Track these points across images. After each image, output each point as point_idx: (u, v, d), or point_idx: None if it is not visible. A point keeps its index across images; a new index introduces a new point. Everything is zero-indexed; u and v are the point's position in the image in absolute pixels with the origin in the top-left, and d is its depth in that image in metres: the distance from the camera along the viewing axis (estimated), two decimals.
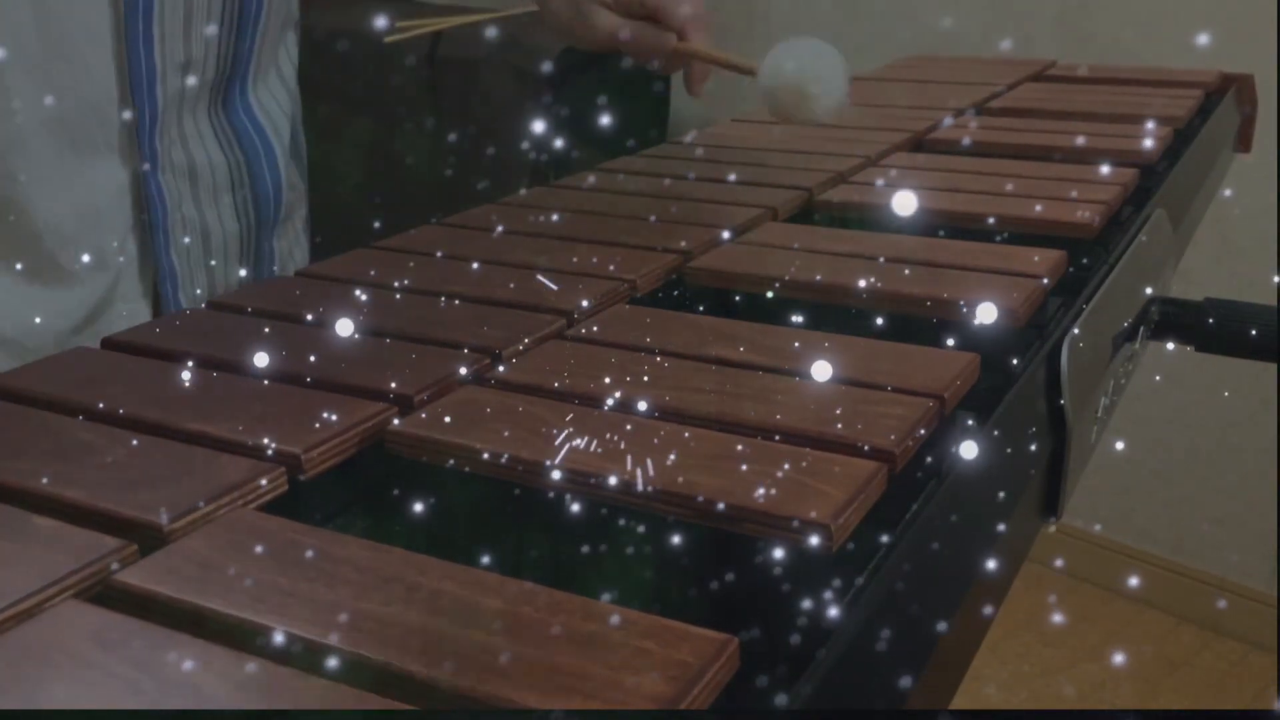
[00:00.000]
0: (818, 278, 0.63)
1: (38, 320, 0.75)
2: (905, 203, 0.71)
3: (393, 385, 0.48)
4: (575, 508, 0.41)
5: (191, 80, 0.78)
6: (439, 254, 0.67)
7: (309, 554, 0.36)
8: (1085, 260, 0.72)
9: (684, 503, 0.39)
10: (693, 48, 0.84)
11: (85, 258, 0.76)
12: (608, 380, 0.49)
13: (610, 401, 0.47)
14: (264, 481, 0.41)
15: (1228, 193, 1.24)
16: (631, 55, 0.85)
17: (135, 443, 0.43)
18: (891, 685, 0.39)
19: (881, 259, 0.65)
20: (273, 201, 0.87)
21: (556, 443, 0.43)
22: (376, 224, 0.85)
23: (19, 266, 0.74)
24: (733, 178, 0.84)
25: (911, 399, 0.47)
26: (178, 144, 0.79)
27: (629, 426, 0.44)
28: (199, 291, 0.82)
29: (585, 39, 0.86)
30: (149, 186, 0.77)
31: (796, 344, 0.53)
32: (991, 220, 0.74)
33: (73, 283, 0.76)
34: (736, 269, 0.64)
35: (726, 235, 0.70)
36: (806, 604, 0.38)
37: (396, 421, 0.45)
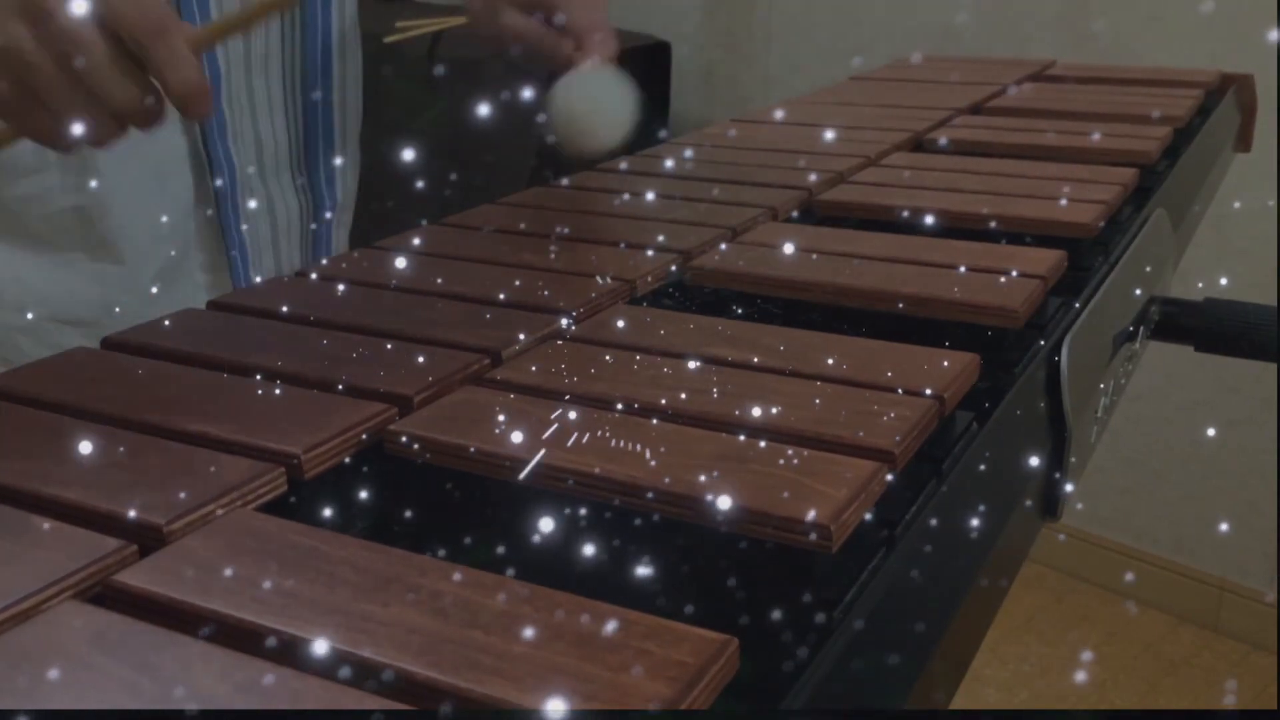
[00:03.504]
0: (818, 278, 0.63)
1: (107, 298, 0.75)
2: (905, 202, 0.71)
3: (392, 385, 0.48)
4: (575, 508, 0.41)
5: (255, 44, 0.77)
6: (439, 254, 0.67)
7: (309, 554, 0.36)
8: (1085, 260, 0.72)
9: (684, 503, 0.39)
10: (582, 60, 0.83)
11: (149, 230, 0.76)
12: (607, 380, 0.48)
13: (610, 402, 0.47)
14: (263, 482, 0.41)
15: (1227, 193, 1.24)
16: (532, 59, 0.85)
17: (135, 443, 0.43)
18: (891, 685, 0.39)
19: (881, 259, 0.65)
20: (328, 185, 0.86)
21: (556, 443, 0.43)
22: (377, 224, 0.84)
23: (84, 242, 0.74)
24: (733, 178, 0.84)
25: (911, 399, 0.47)
26: (247, 113, 0.78)
27: (629, 427, 0.44)
28: (268, 270, 0.82)
29: (492, 38, 0.85)
30: (215, 154, 0.76)
31: (795, 343, 0.53)
32: (991, 220, 0.74)
33: (138, 257, 0.76)
34: (736, 269, 0.64)
35: (726, 235, 0.70)
36: (806, 604, 0.38)
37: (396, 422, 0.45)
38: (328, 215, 0.87)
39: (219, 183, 0.77)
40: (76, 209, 0.73)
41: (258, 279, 0.80)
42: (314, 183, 0.85)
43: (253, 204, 0.80)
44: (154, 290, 0.77)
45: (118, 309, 0.75)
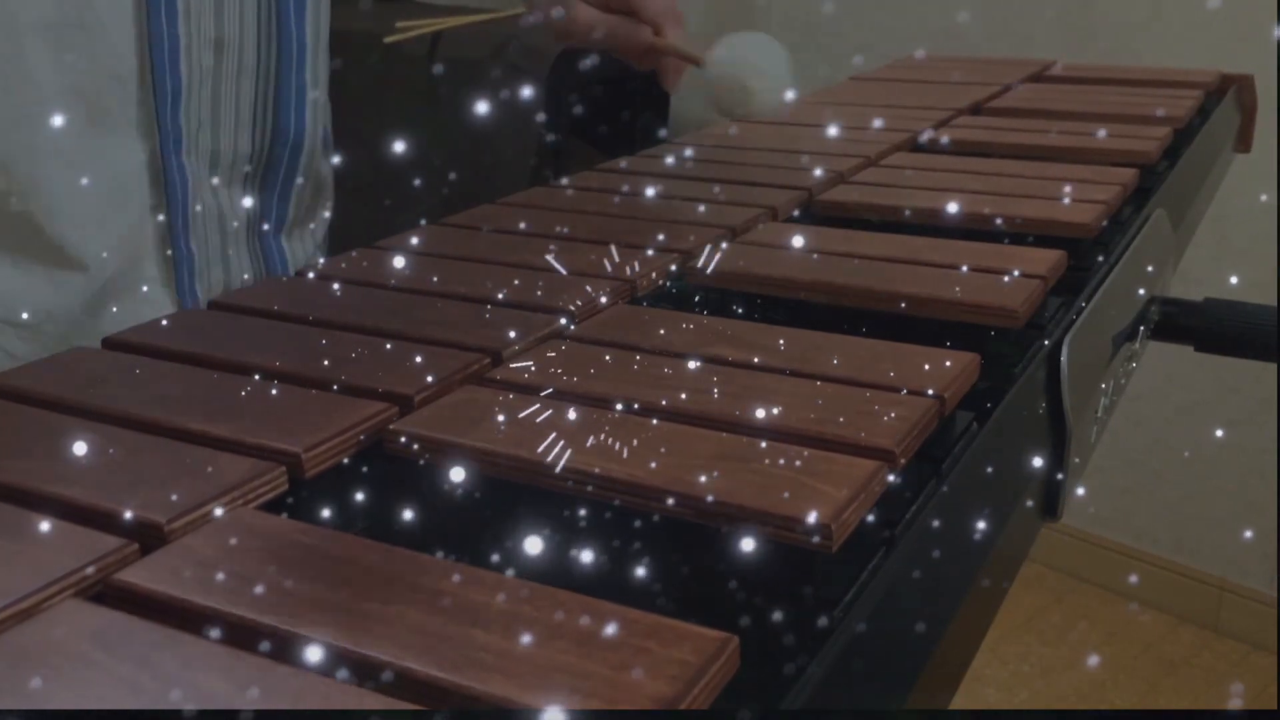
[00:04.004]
0: (818, 278, 0.63)
1: (53, 302, 0.74)
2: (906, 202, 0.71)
3: (392, 385, 0.48)
4: (575, 507, 0.41)
5: (227, 60, 0.77)
6: (439, 254, 0.67)
7: (310, 553, 0.36)
8: (1085, 260, 0.72)
9: (684, 502, 0.39)
10: (666, 43, 0.84)
11: (101, 237, 0.75)
12: (607, 380, 0.49)
13: (610, 402, 0.47)
14: (264, 480, 0.41)
15: (1227, 193, 1.24)
16: (608, 50, 0.85)
17: (135, 443, 0.43)
18: (891, 685, 0.39)
19: (881, 259, 0.65)
20: (280, 193, 0.85)
21: (556, 442, 0.43)
22: (376, 224, 0.84)
23: (33, 245, 0.73)
24: (733, 178, 0.84)
25: (911, 399, 0.47)
26: (207, 127, 0.78)
27: (629, 426, 0.44)
28: (217, 281, 0.81)
29: (563, 32, 0.85)
30: (169, 166, 0.76)
31: (795, 343, 0.53)
32: (992, 220, 0.74)
33: (88, 263, 0.74)
34: (736, 269, 0.64)
35: (726, 235, 0.70)
36: (806, 603, 0.38)
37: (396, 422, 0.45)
38: (283, 224, 0.87)
39: (169, 194, 0.77)
40: (24, 215, 0.72)
41: (199, 293, 0.80)
42: (268, 193, 0.84)
43: (204, 224, 0.79)
44: (103, 298, 0.76)
45: (63, 316, 0.74)
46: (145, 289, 0.78)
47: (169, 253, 0.78)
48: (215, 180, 0.80)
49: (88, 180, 0.73)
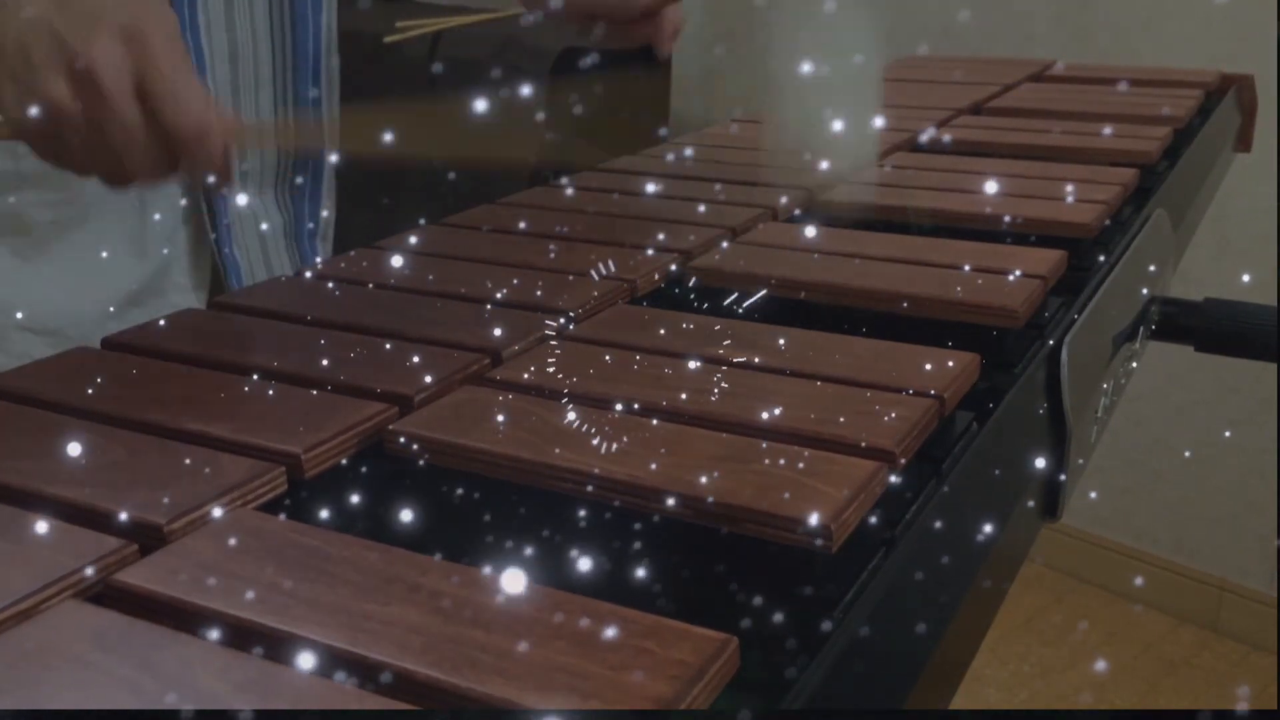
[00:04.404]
0: (817, 278, 0.63)
1: (81, 310, 0.75)
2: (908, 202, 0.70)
3: (392, 385, 0.48)
4: (575, 507, 0.41)
5: (243, 71, 0.77)
6: (439, 254, 0.67)
7: (309, 554, 0.36)
8: (1085, 260, 0.72)
9: (684, 502, 0.39)
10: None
11: (129, 247, 0.75)
12: (607, 380, 0.48)
13: (610, 401, 0.47)
14: (264, 481, 0.41)
15: (1227, 193, 1.24)
16: (607, 18, 0.83)
17: (135, 443, 0.43)
18: (891, 685, 0.39)
19: (882, 259, 0.65)
20: (309, 197, 0.86)
21: (555, 442, 0.43)
22: (376, 224, 0.84)
23: (61, 256, 0.74)
24: (733, 178, 0.84)
25: (911, 399, 0.47)
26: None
27: (628, 426, 0.44)
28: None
29: (569, 12, 0.84)
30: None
31: (796, 343, 0.53)
32: (992, 220, 0.74)
33: (117, 271, 0.75)
34: (736, 269, 0.64)
35: (726, 235, 0.70)
36: (807, 604, 0.38)
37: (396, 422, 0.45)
38: (311, 225, 0.87)
39: (203, 204, 0.77)
40: (53, 225, 0.73)
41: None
42: (298, 195, 0.85)
43: (244, 231, 0.80)
44: (130, 308, 0.76)
45: (91, 325, 0.75)
46: (173, 297, 0.79)
47: (197, 261, 0.79)
48: (247, 188, 0.81)
49: (115, 194, 0.73)
